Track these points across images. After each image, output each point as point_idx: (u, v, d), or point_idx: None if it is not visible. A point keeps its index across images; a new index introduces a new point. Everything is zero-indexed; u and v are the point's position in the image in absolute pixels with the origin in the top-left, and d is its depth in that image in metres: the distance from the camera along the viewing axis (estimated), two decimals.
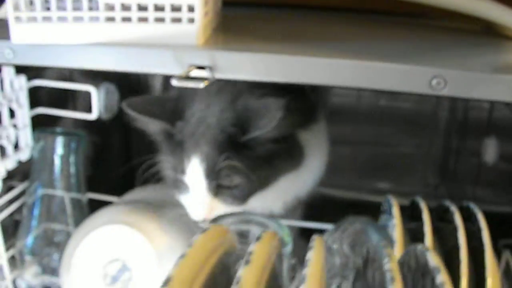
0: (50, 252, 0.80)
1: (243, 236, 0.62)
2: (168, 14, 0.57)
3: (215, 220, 0.63)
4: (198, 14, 0.57)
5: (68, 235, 0.80)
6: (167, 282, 0.43)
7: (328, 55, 0.55)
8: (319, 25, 0.83)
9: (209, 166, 0.61)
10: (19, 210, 0.81)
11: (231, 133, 0.61)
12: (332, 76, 0.55)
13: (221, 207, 0.64)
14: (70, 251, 0.70)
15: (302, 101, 0.70)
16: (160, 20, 0.58)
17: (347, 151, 1.03)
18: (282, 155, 0.65)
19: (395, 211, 0.62)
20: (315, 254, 0.46)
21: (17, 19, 0.60)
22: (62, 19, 0.59)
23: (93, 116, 0.78)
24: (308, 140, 0.70)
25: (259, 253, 0.48)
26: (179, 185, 0.65)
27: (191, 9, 0.57)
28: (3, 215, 0.77)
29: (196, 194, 0.64)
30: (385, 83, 0.54)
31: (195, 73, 0.56)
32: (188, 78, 0.55)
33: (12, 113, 0.76)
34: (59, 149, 0.79)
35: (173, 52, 0.56)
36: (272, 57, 0.55)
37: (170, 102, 0.66)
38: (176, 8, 0.57)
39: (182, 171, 0.63)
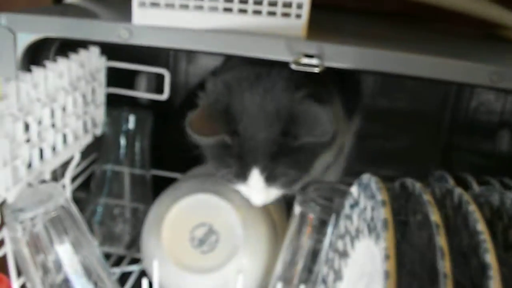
0: (111, 223, 0.86)
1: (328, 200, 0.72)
2: (279, 9, 0.66)
3: (304, 188, 0.72)
4: (305, 11, 0.67)
5: (128, 209, 0.87)
6: None
7: (414, 52, 0.66)
8: (381, 27, 0.94)
9: (268, 173, 0.68)
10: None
11: (282, 142, 0.67)
12: (417, 68, 0.66)
13: (274, 192, 0.72)
14: (156, 219, 0.77)
15: (326, 91, 0.76)
16: (272, 13, 0.67)
17: (361, 144, 1.15)
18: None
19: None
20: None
21: (141, 3, 0.67)
22: (183, 6, 0.67)
23: (164, 96, 0.85)
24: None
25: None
26: (234, 182, 0.71)
27: (299, 6, 0.66)
28: (75, 185, 0.83)
29: (255, 190, 0.71)
30: (455, 76, 0.66)
31: (305, 60, 0.65)
32: (301, 64, 0.65)
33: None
34: (126, 127, 0.86)
35: (286, 42, 0.66)
36: (370, 51, 0.66)
37: (223, 114, 0.69)
38: (286, 4, 0.67)
39: (244, 179, 0.70)
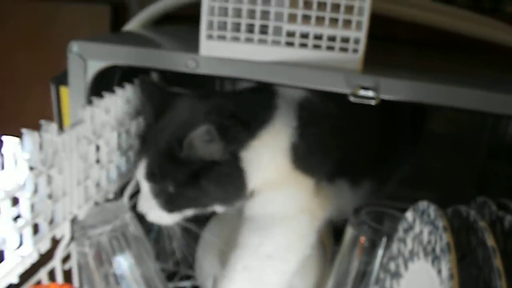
0: (165, 241, 0.90)
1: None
2: (338, 44, 0.71)
3: (357, 211, 0.76)
4: (361, 46, 0.71)
5: (181, 228, 0.91)
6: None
7: (466, 86, 0.70)
8: (432, 58, 0.98)
9: (149, 170, 0.73)
10: None
11: (173, 148, 0.71)
12: (470, 102, 0.69)
13: (156, 209, 0.75)
14: (211, 239, 0.81)
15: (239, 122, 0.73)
16: (331, 48, 0.71)
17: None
18: (216, 179, 0.71)
19: None
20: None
21: (209, 36, 0.72)
22: (248, 40, 0.71)
23: None
24: (251, 162, 0.73)
25: None
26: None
27: (356, 41, 0.71)
28: (131, 203, 0.88)
29: (142, 189, 0.76)
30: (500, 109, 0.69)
31: (362, 93, 0.70)
32: (358, 96, 0.69)
33: None
34: None
35: (344, 75, 0.70)
36: (423, 84, 0.69)
37: (160, 103, 0.77)
38: (344, 40, 0.71)
39: (136, 167, 0.75)
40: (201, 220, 0.89)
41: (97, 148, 0.74)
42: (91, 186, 0.73)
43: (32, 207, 0.63)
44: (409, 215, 0.65)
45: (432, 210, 0.58)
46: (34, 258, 0.64)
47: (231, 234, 0.80)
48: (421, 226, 0.61)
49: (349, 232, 0.75)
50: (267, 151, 0.73)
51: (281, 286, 0.74)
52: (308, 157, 0.74)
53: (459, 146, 1.18)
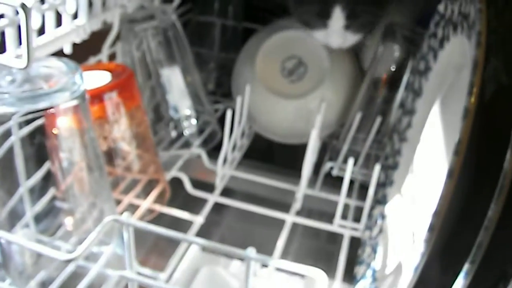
0: (201, 69, 0.94)
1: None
2: None
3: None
4: None
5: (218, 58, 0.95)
6: None
7: None
8: None
9: (349, 11, 0.75)
10: None
11: None
12: None
13: (350, 37, 0.79)
14: (250, 51, 0.86)
15: None
16: None
17: None
18: None
19: None
20: None
21: None
22: None
23: None
24: None
25: None
26: (313, 23, 0.79)
27: None
28: None
29: (336, 30, 0.77)
30: None
31: None
32: None
33: None
34: None
35: None
36: None
37: None
38: None
39: (327, 16, 0.76)
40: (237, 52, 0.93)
41: None
42: None
43: None
44: (441, 6, 0.66)
45: None
46: (87, 32, 0.68)
47: (270, 47, 0.84)
48: (452, 7, 0.62)
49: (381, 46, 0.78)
50: None
51: None
52: None
53: None
